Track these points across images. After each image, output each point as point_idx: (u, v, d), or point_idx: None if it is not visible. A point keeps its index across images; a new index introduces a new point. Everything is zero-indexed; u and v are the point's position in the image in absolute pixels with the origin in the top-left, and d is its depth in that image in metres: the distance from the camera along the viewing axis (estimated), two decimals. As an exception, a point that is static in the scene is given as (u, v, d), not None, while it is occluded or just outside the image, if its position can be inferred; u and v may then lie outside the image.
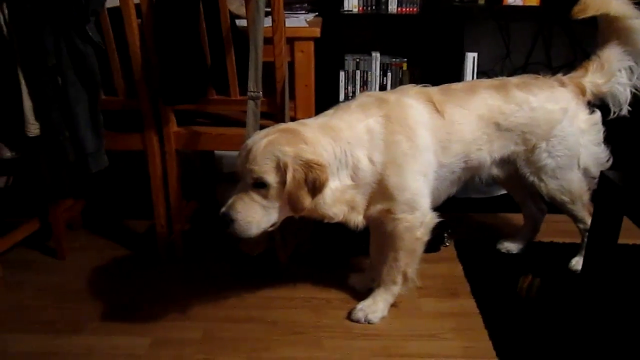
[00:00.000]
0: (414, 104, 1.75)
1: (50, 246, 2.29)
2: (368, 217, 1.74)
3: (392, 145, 1.67)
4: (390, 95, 1.77)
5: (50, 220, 2.20)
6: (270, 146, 1.51)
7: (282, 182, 1.51)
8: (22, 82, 1.83)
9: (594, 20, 1.97)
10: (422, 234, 1.77)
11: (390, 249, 1.79)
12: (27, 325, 1.84)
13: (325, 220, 1.69)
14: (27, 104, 1.86)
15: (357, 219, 1.71)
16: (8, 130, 1.88)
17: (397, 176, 1.68)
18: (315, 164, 1.51)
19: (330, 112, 1.73)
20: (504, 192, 2.45)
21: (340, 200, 1.65)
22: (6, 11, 1.79)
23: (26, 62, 1.82)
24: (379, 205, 1.71)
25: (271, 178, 1.51)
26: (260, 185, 1.52)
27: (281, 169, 1.50)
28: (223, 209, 1.54)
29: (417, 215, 1.73)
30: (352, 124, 1.65)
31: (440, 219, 1.81)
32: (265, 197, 1.53)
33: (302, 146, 1.52)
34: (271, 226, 1.59)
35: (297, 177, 1.49)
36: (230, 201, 1.54)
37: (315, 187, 1.52)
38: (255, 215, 1.53)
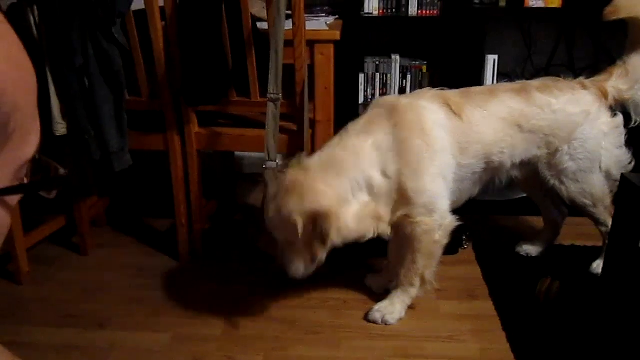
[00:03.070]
0: (429, 106, 1.75)
1: (75, 242, 2.34)
2: (391, 223, 1.76)
3: (405, 152, 1.68)
4: (403, 100, 1.78)
5: (75, 218, 2.25)
6: (281, 212, 1.62)
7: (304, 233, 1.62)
8: (50, 82, 1.89)
9: (617, 23, 1.95)
10: (441, 237, 1.77)
11: (409, 251, 1.80)
12: (51, 318, 1.89)
13: (362, 241, 1.74)
14: (55, 103, 1.92)
15: (385, 229, 1.74)
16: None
17: (414, 180, 1.69)
18: (319, 213, 1.59)
19: (336, 140, 1.74)
20: (522, 195, 2.43)
21: (365, 216, 1.69)
22: (37, 12, 1.84)
23: (54, 63, 1.87)
24: (399, 211, 1.73)
25: (293, 236, 1.63)
26: (290, 241, 1.67)
27: (295, 227, 1.60)
28: (279, 257, 1.74)
29: (436, 218, 1.74)
30: (356, 148, 1.68)
31: (459, 223, 1.80)
32: (296, 248, 1.67)
33: (307, 198, 1.60)
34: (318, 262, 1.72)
35: (307, 231, 1.60)
36: (280, 250, 1.72)
37: (323, 235, 1.61)
38: (298, 260, 1.68)
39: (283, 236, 1.68)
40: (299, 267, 1.70)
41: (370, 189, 1.68)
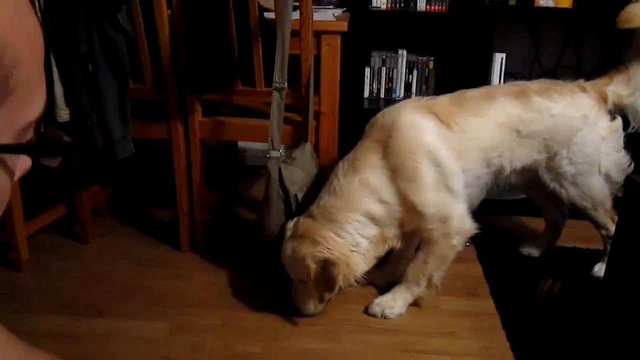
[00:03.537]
0: (414, 119, 1.74)
1: (75, 231, 2.33)
2: (404, 233, 1.78)
3: (397, 174, 1.70)
4: (387, 117, 1.77)
5: (76, 206, 2.24)
6: (294, 254, 1.74)
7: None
8: (54, 68, 1.88)
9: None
10: (458, 242, 1.77)
11: (422, 250, 1.80)
12: (51, 306, 1.88)
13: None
14: (58, 89, 1.90)
15: (396, 244, 1.79)
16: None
17: (417, 195, 1.71)
18: (329, 261, 1.68)
19: (326, 185, 1.80)
20: (523, 195, 2.42)
21: (375, 247, 1.75)
22: (42, -2, 1.83)
23: (58, 49, 1.86)
24: (412, 224, 1.75)
25: (305, 277, 1.74)
26: (302, 281, 1.78)
27: (308, 270, 1.71)
28: (291, 294, 1.83)
29: (453, 224, 1.74)
30: (344, 192, 1.74)
31: (478, 230, 1.80)
32: (308, 288, 1.77)
33: (317, 248, 1.71)
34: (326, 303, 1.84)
35: (317, 274, 1.70)
36: (292, 289, 1.82)
37: (331, 281, 1.69)
38: (308, 300, 1.80)
39: (296, 277, 1.79)
40: (309, 306, 1.80)
41: (374, 220, 1.73)
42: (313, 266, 1.69)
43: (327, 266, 1.68)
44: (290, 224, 1.81)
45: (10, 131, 0.45)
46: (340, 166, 1.79)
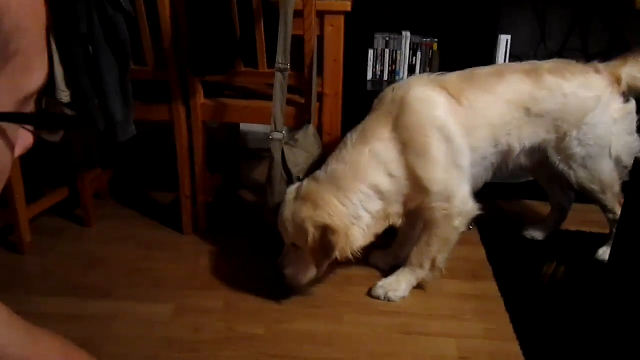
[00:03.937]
0: (426, 94, 1.72)
1: (77, 214, 2.33)
2: (406, 212, 1.76)
3: (407, 148, 1.68)
4: (398, 93, 1.75)
5: (78, 189, 2.23)
6: (294, 216, 1.70)
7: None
8: (54, 49, 1.86)
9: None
10: (460, 224, 1.76)
11: (425, 232, 1.79)
12: (53, 289, 1.88)
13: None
14: (58, 71, 1.88)
15: (397, 221, 1.76)
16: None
17: (425, 171, 1.69)
18: (330, 227, 1.64)
19: (336, 152, 1.77)
20: (529, 178, 2.40)
21: (375, 224, 1.72)
22: (40, -23, 1.81)
23: (58, 30, 1.84)
24: (415, 201, 1.73)
25: (301, 242, 1.69)
26: (296, 246, 1.73)
27: (305, 233, 1.66)
28: (279, 259, 1.79)
29: (456, 204, 1.72)
30: (353, 161, 1.70)
31: (481, 212, 1.79)
32: (301, 254, 1.72)
33: (319, 212, 1.66)
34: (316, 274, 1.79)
35: (315, 240, 1.65)
36: (283, 253, 1.78)
37: (329, 250, 1.65)
38: (299, 267, 1.75)
39: (291, 240, 1.73)
40: (298, 274, 1.76)
41: (380, 194, 1.70)
42: (312, 230, 1.65)
43: (327, 232, 1.63)
44: (293, 188, 1.77)
45: (11, 100, 0.44)
46: (349, 137, 1.76)
